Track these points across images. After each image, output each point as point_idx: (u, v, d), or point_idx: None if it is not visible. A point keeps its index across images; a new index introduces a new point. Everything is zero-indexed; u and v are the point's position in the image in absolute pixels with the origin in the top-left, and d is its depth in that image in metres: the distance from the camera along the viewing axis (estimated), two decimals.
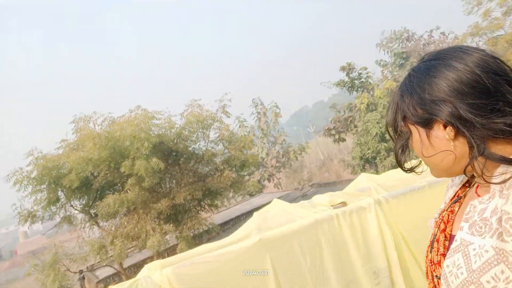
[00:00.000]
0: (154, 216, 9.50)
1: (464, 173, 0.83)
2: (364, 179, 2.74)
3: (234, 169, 10.86)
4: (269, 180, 26.93)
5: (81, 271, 12.75)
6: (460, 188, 1.00)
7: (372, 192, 2.43)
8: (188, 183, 9.84)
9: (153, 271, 2.02)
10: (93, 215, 10.55)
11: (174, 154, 10.63)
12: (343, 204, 2.33)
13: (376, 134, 18.49)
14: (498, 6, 14.88)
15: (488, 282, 0.72)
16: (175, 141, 10.64)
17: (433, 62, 0.84)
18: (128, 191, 9.23)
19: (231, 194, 22.40)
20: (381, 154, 18.51)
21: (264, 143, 27.36)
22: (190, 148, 11.00)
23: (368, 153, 18.89)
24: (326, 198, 2.40)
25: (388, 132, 0.93)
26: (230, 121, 11.86)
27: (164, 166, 9.18)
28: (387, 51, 28.20)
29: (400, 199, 2.16)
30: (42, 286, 9.81)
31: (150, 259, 13.43)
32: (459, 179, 1.01)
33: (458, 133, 0.79)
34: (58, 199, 10.07)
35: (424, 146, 0.84)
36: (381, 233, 2.12)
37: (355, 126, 23.08)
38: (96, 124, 9.67)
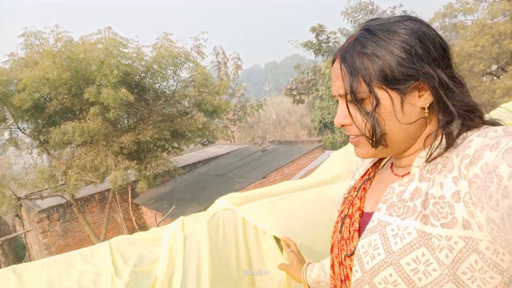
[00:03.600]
0: (117, 150, 8.81)
1: (424, 147, 0.78)
2: (337, 159, 2.29)
3: (205, 113, 10.32)
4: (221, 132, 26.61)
5: (18, 198, 11.80)
6: (371, 167, 0.99)
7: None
8: (156, 121, 9.18)
9: (231, 205, 1.66)
10: (43, 142, 9.56)
11: (141, 89, 9.79)
12: None
13: None
14: None
15: (408, 264, 0.71)
16: (143, 75, 9.77)
17: (393, 25, 0.78)
18: (88, 120, 8.37)
19: (197, 139, 21.86)
20: None
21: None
22: (158, 85, 10.21)
23: (328, 117, 19.19)
24: None
25: (348, 103, 0.80)
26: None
27: (133, 99, 8.41)
28: (351, 21, 28.14)
29: None
30: None
31: (99, 194, 12.83)
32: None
33: (434, 101, 0.76)
34: (4, 119, 8.94)
35: (397, 113, 0.76)
36: None
37: (317, 90, 23.22)
38: (50, 41, 8.45)
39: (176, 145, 10.42)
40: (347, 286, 0.87)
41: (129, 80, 9.31)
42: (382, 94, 0.76)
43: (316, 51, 24.08)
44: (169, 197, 12.66)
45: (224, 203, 1.67)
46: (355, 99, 0.78)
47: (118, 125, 9.15)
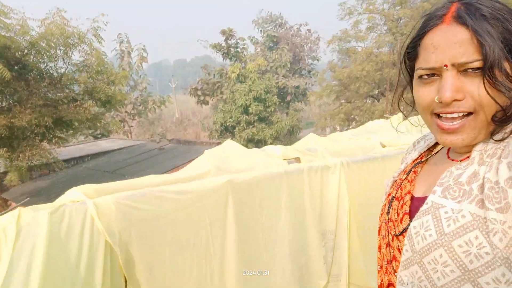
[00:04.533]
0: None
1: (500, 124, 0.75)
2: (312, 139, 2.66)
3: (97, 103, 9.53)
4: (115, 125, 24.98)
5: None
6: (424, 151, 1.00)
7: (318, 154, 2.36)
8: (36, 105, 8.15)
9: (84, 197, 1.49)
10: None
11: (22, 67, 8.63)
12: (297, 160, 2.20)
13: (242, 105, 19.12)
14: (367, 21, 17.05)
15: (460, 246, 0.72)
16: (26, 51, 8.64)
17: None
18: None
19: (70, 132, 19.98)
20: (241, 125, 19.29)
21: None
22: (44, 66, 9.11)
23: (230, 121, 19.42)
24: (280, 151, 2.23)
25: (460, 74, 0.75)
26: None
27: (9, 76, 7.35)
28: (261, 30, 29.20)
29: (360, 165, 2.15)
30: None
31: None
32: (425, 143, 1.01)
33: None
34: None
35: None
36: (338, 196, 2.08)
37: (221, 93, 23.39)
38: None
39: (59, 134, 9.40)
40: (393, 267, 0.87)
41: (8, 55, 8.14)
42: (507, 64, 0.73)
43: (224, 54, 24.28)
44: (47, 193, 11.34)
45: (75, 194, 1.50)
46: (488, 68, 0.71)
47: None
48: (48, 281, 1.23)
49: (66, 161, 13.96)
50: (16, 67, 8.36)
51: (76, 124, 9.16)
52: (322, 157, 2.37)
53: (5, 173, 8.88)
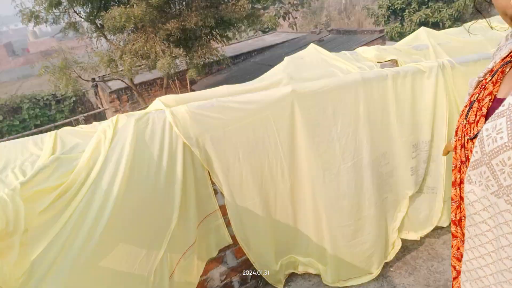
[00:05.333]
0: (163, 37, 8.99)
1: None
2: (423, 34, 2.26)
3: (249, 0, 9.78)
4: (284, 18, 25.18)
5: (93, 79, 13.02)
6: None
7: (430, 52, 2.01)
8: (199, 7, 8.98)
9: (166, 106, 1.78)
10: (99, 26, 9.99)
11: None
12: (393, 62, 1.95)
13: None
14: None
15: None
16: None
17: None
18: (134, 5, 8.45)
19: (243, 27, 21.27)
20: (412, 6, 16.77)
21: None
22: None
23: (398, 3, 17.10)
24: (373, 52, 2.00)
25: None
26: None
27: None
28: None
29: (469, 66, 1.77)
30: (55, 87, 10.06)
31: (160, 80, 13.59)
32: None
33: None
34: (60, 2, 9.33)
35: None
36: (434, 104, 1.82)
37: None
38: None
39: (221, 32, 10.27)
40: (466, 167, 0.91)
41: None
42: None
43: None
44: (223, 85, 13.05)
45: (157, 104, 1.79)
46: None
47: (163, 11, 9.12)
48: (134, 170, 1.61)
49: (237, 56, 15.40)
50: None
51: (235, 21, 9.75)
52: (433, 56, 2.02)
53: (186, 70, 10.50)
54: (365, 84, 1.75)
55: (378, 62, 1.98)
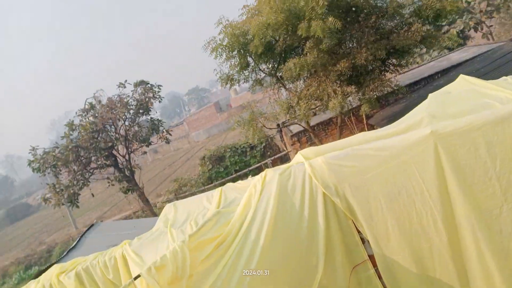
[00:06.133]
0: (334, 78, 9.35)
1: None
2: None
3: (426, 20, 9.17)
4: (475, 30, 22.21)
5: (278, 125, 14.55)
6: None
7: None
8: (369, 42, 8.98)
9: (306, 158, 1.92)
10: (279, 78, 11.20)
11: (353, 10, 9.61)
12: None
13: None
14: None
15: None
16: None
17: None
18: (307, 54, 9.16)
19: (424, 51, 19.85)
20: None
21: None
22: (371, 1, 9.70)
23: None
24: None
25: None
26: None
27: (341, 25, 8.49)
28: None
29: None
30: (246, 138, 11.73)
31: (336, 118, 14.01)
32: None
33: None
34: (248, 64, 10.96)
35: None
36: None
37: None
38: None
39: (395, 62, 9.90)
40: None
41: (340, 4, 9.34)
42: None
43: None
44: (401, 116, 12.18)
45: (299, 157, 1.94)
46: None
47: (333, 54, 9.52)
48: (278, 220, 1.78)
49: (416, 82, 14.42)
50: (348, 14, 9.45)
51: (409, 48, 9.28)
52: None
53: (360, 106, 10.50)
54: None
55: None
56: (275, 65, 11.03)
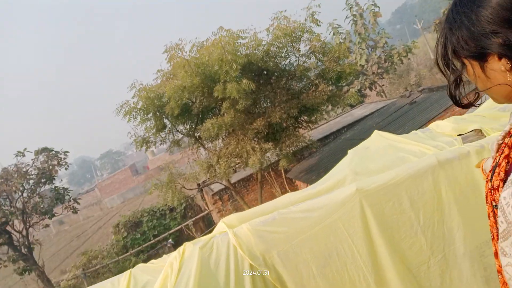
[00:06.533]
0: (252, 136, 9.54)
1: None
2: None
3: (330, 82, 10.05)
4: (370, 89, 25.11)
5: (198, 185, 14.14)
6: None
7: None
8: (282, 102, 9.48)
9: (229, 226, 1.73)
10: (198, 138, 11.10)
11: (265, 73, 10.19)
12: (477, 132, 1.66)
13: None
14: None
15: None
16: (264, 59, 10.11)
17: None
18: (224, 114, 9.29)
19: (329, 108, 21.64)
20: None
21: (363, 49, 24.98)
22: (280, 65, 10.41)
23: None
24: (450, 125, 1.74)
25: (439, 67, 0.90)
26: (322, 30, 10.76)
27: (255, 86, 8.87)
28: None
29: None
30: (164, 201, 11.15)
31: (256, 174, 14.18)
32: None
33: None
34: (164, 126, 10.73)
35: (479, 79, 0.84)
36: None
37: None
38: (184, 51, 9.57)
39: (307, 119, 10.53)
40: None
41: (252, 68, 9.83)
42: None
43: None
44: (316, 168, 12.94)
45: (221, 226, 1.75)
46: None
47: (249, 113, 9.82)
48: None
49: (326, 137, 15.45)
50: (259, 76, 9.97)
51: (317, 106, 9.98)
52: None
53: (278, 161, 10.79)
54: (443, 166, 1.49)
55: (458, 135, 1.70)
56: (193, 126, 10.97)
